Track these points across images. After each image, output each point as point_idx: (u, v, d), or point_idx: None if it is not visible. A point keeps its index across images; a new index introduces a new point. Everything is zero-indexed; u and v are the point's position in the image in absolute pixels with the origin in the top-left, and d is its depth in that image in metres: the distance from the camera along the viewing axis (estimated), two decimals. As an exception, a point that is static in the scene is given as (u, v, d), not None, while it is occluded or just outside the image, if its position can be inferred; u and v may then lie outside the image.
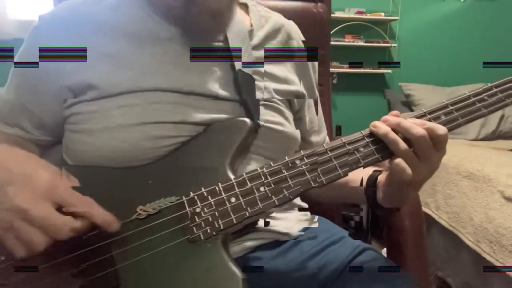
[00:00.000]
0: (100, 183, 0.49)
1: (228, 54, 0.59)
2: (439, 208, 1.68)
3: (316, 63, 0.72)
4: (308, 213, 0.70)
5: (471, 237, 1.45)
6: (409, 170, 0.47)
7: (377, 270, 0.57)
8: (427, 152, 0.48)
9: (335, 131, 2.75)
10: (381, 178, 0.58)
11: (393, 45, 2.84)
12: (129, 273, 0.42)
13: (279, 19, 0.68)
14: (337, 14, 2.68)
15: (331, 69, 2.54)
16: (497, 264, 1.30)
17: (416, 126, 0.48)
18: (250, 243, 0.59)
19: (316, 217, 0.71)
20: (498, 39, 2.99)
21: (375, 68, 2.86)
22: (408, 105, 2.68)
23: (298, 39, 0.69)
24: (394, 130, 0.49)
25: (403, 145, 0.47)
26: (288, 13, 0.73)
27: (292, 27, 0.69)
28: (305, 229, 0.67)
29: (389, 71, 2.88)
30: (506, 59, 2.99)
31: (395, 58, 2.92)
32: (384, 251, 0.83)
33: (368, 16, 2.75)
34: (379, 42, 2.82)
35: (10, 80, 0.60)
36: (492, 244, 1.34)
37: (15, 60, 0.58)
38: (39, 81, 0.56)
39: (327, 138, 0.81)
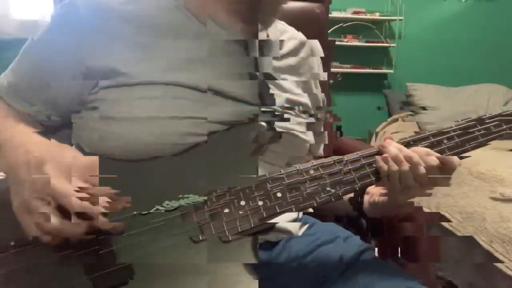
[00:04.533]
0: (119, 173, 0.48)
1: (253, 60, 0.60)
2: (439, 208, 1.68)
3: (317, 80, 0.74)
4: (295, 214, 0.70)
5: (485, 237, 1.45)
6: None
7: (378, 270, 0.57)
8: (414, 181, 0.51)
9: (335, 131, 2.75)
10: (372, 190, 0.60)
11: (392, 45, 2.84)
12: (140, 269, 0.42)
13: (299, 34, 0.70)
14: (337, 14, 2.69)
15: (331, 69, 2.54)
16: (510, 264, 1.31)
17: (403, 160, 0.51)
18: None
19: (301, 216, 0.72)
20: (499, 39, 2.99)
21: (375, 68, 2.87)
22: (408, 105, 2.67)
23: (318, 55, 0.72)
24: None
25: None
26: (286, 14, 0.73)
27: (315, 44, 0.72)
28: (307, 228, 0.67)
29: (390, 71, 2.88)
30: (507, 60, 3.00)
31: (394, 58, 2.93)
32: (385, 251, 0.83)
33: (368, 16, 2.75)
34: (379, 42, 2.82)
35: (27, 54, 0.58)
36: (505, 244, 1.35)
37: (41, 34, 0.57)
38: (63, 59, 0.55)
39: None
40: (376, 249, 0.81)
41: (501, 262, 1.34)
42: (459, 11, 2.94)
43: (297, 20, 0.73)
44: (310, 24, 1.05)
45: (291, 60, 0.66)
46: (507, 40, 3.00)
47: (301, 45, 0.68)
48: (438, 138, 0.55)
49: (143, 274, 0.42)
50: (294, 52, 0.67)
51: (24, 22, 2.14)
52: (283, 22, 0.72)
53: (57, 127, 0.61)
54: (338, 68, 2.77)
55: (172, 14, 0.57)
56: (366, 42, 2.82)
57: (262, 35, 0.63)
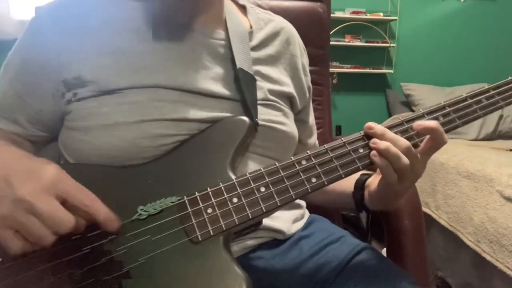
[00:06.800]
0: (99, 181, 0.48)
1: (228, 54, 0.59)
2: (439, 208, 1.68)
3: (307, 67, 0.72)
4: (302, 211, 0.71)
5: (471, 237, 1.45)
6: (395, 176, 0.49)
7: (376, 269, 0.57)
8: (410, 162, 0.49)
9: (335, 131, 2.75)
10: (370, 181, 0.59)
11: (392, 45, 2.84)
12: (130, 275, 0.42)
13: (280, 22, 0.69)
14: (337, 14, 2.69)
15: (331, 69, 2.54)
16: (497, 264, 1.30)
17: (394, 143, 0.49)
18: (249, 242, 0.59)
19: (308, 214, 0.72)
20: (498, 39, 2.99)
21: (375, 68, 2.87)
22: (407, 105, 2.68)
23: (296, 43, 0.70)
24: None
25: (405, 159, 0.48)
26: (289, 13, 0.73)
27: (291, 30, 0.70)
28: (304, 228, 0.67)
29: (390, 71, 2.88)
30: (506, 59, 3.00)
31: (394, 58, 2.93)
32: (384, 251, 0.83)
33: (368, 16, 2.75)
34: (379, 42, 2.82)
35: (5, 72, 0.57)
36: (492, 244, 1.34)
37: (13, 51, 0.57)
38: (37, 73, 0.55)
39: (316, 141, 0.81)
40: (385, 249, 0.81)
41: (490, 263, 1.34)
42: (458, 11, 2.94)
43: (300, 19, 0.72)
44: (313, 24, 1.05)
45: (269, 50, 0.65)
46: (506, 40, 3.00)
47: (276, 33, 0.66)
48: (433, 116, 0.53)
49: (142, 278, 0.42)
50: (270, 40, 0.65)
51: (24, 22, 2.14)
52: (268, 11, 0.70)
53: (46, 141, 0.61)
54: (338, 68, 2.77)
55: (143, 17, 0.56)
56: (366, 42, 2.82)
57: (243, 26, 0.62)
